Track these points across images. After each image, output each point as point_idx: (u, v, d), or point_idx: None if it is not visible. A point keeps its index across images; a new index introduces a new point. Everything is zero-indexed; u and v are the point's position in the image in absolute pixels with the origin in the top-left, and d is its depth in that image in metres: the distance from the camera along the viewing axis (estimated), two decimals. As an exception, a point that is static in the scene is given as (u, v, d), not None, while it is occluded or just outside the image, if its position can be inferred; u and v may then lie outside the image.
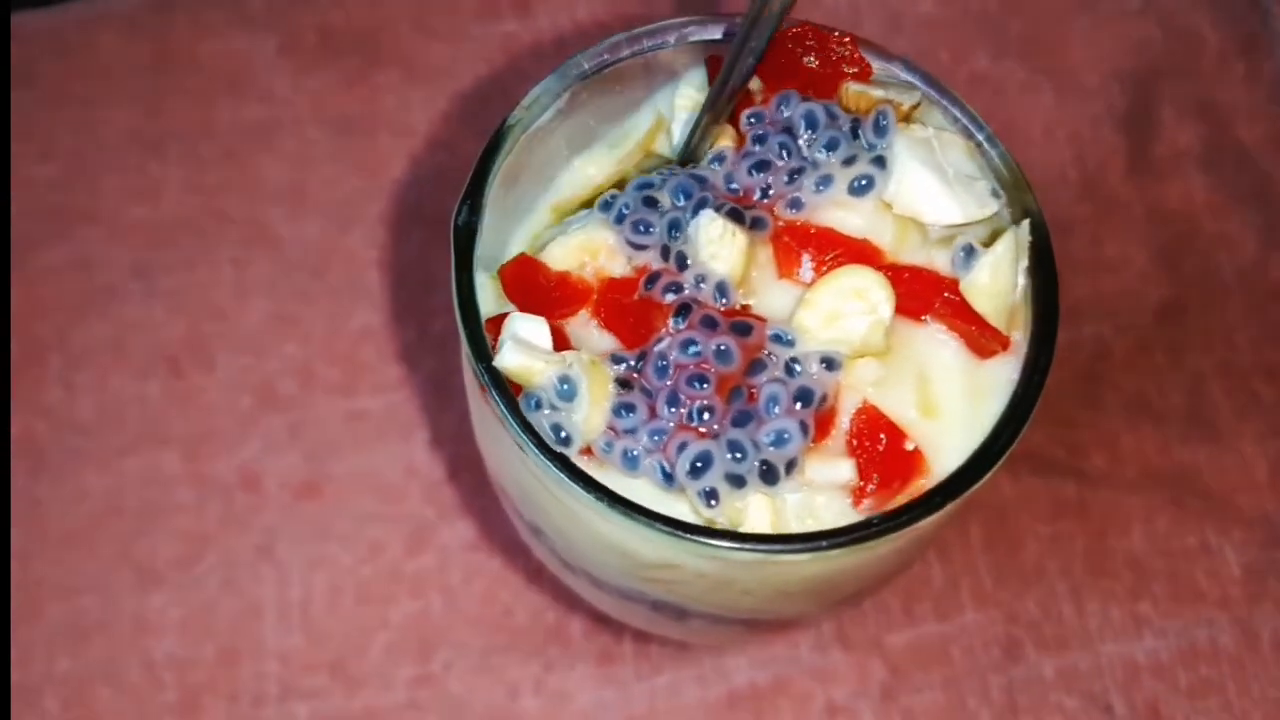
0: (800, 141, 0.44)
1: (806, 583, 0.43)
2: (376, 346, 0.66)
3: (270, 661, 0.60)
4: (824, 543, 0.39)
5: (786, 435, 0.40)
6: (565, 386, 0.40)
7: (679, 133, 0.47)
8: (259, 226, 0.69)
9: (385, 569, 0.61)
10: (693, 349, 0.41)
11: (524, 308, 0.43)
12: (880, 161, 0.43)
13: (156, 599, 0.61)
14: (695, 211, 0.43)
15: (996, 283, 0.42)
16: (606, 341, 0.43)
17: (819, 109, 0.44)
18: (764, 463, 0.40)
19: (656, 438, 0.41)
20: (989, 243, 0.43)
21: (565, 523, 0.43)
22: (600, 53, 0.46)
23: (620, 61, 0.46)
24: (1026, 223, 0.43)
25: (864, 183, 0.43)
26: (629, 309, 0.43)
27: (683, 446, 0.40)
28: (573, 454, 0.41)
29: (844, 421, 0.42)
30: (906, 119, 0.45)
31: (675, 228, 0.43)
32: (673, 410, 0.41)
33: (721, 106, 0.45)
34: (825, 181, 0.44)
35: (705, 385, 0.41)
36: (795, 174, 0.44)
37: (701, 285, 0.43)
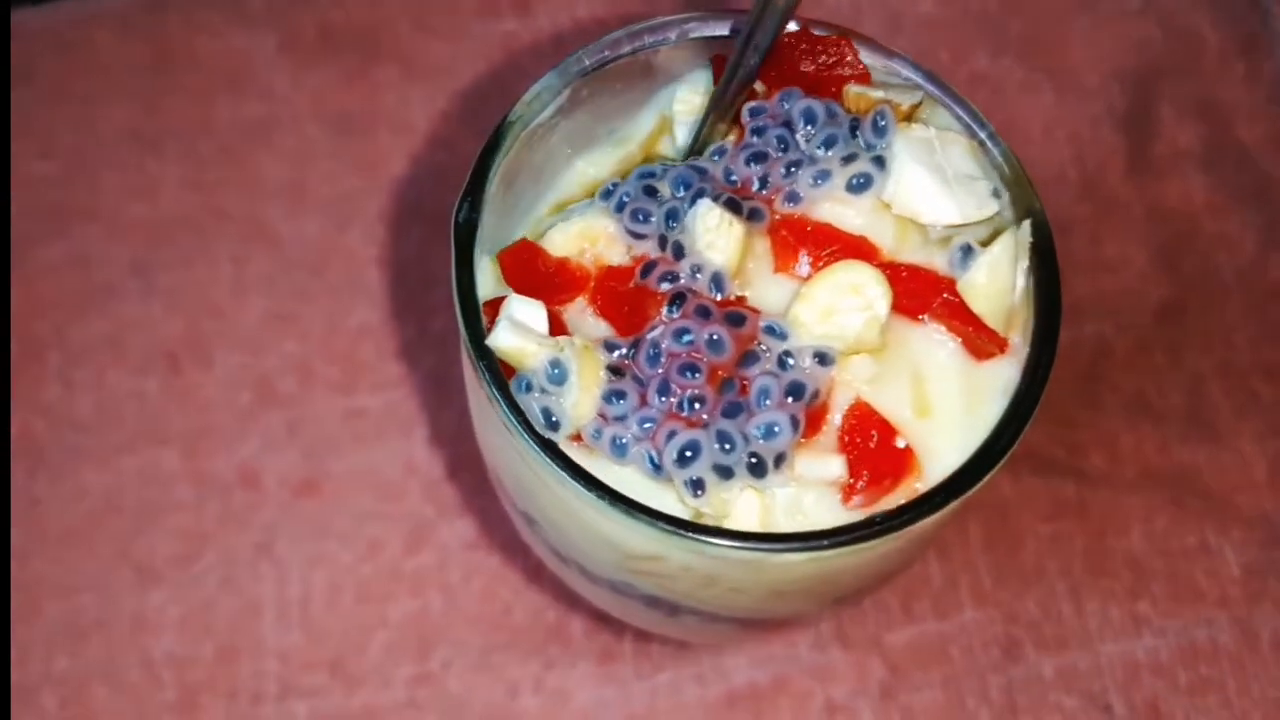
0: (798, 136, 0.44)
1: (801, 582, 0.43)
2: (376, 344, 0.66)
3: (269, 660, 0.59)
4: (824, 542, 0.39)
5: (776, 428, 0.40)
6: (556, 370, 0.40)
7: (682, 135, 0.47)
8: (258, 224, 0.68)
9: (385, 567, 0.61)
10: (685, 338, 0.41)
11: (522, 292, 0.43)
12: (879, 161, 0.43)
13: (155, 597, 0.60)
14: (693, 201, 0.43)
15: (994, 283, 0.42)
16: (601, 328, 0.43)
17: (819, 106, 0.44)
18: (753, 455, 0.40)
19: (646, 426, 0.41)
20: (989, 243, 0.43)
21: (555, 511, 0.43)
22: (601, 49, 0.46)
23: (621, 58, 0.46)
24: (1027, 223, 0.43)
25: (861, 181, 0.43)
26: (625, 297, 0.43)
27: (671, 435, 0.40)
28: (562, 439, 0.41)
29: (836, 418, 0.42)
30: (907, 119, 0.45)
31: (673, 217, 0.43)
32: (663, 399, 0.41)
33: (727, 105, 0.45)
34: (823, 176, 0.43)
35: (697, 375, 0.41)
36: (792, 167, 0.44)
37: (697, 275, 0.42)
